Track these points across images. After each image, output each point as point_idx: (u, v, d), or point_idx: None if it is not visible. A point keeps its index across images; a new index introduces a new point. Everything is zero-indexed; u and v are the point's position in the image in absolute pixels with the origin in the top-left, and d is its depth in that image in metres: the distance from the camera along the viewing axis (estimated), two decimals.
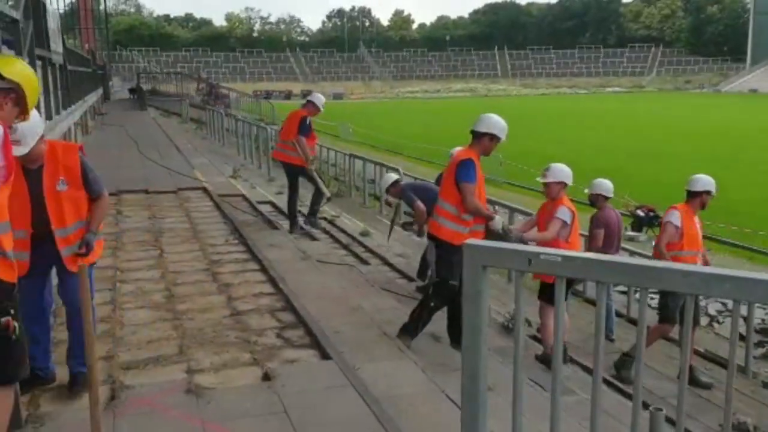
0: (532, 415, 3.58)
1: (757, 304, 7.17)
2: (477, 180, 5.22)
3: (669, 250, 6.06)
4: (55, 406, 3.75)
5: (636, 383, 2.49)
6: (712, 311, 8.71)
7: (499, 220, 5.44)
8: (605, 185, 7.17)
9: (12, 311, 2.77)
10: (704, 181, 6.28)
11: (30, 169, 3.70)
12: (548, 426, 2.55)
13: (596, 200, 7.16)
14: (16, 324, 2.77)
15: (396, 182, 8.08)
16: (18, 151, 3.32)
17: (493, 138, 5.29)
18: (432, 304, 5.33)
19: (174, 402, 3.85)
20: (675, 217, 6.14)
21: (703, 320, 8.27)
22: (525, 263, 2.51)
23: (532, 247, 2.62)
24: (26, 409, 3.56)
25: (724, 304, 8.85)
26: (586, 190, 7.33)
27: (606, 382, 5.88)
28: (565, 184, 6.18)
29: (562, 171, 6.19)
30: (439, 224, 5.39)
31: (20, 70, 2.96)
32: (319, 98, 9.52)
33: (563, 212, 5.99)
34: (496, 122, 5.34)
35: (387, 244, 8.72)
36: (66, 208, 3.80)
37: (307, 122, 9.21)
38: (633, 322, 7.41)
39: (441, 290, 5.34)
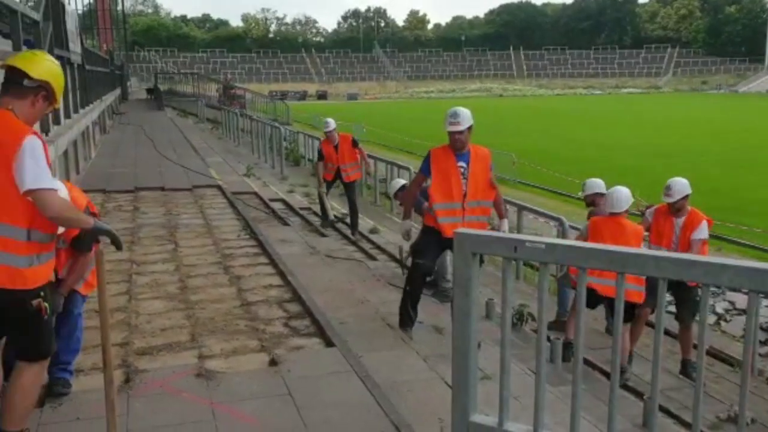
0: (526, 401, 3.72)
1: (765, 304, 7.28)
2: (431, 172, 5.29)
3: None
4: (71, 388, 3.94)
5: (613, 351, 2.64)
6: (719, 309, 8.76)
7: (409, 224, 5.59)
8: (600, 184, 7.28)
9: (42, 293, 3.01)
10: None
11: None
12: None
13: (594, 200, 7.27)
14: (46, 305, 3.02)
15: (403, 187, 8.28)
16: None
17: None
18: (407, 288, 5.53)
19: (185, 385, 4.05)
20: (649, 213, 6.81)
21: (710, 318, 8.34)
22: (511, 250, 2.68)
23: (517, 235, 2.79)
24: (45, 390, 3.75)
25: (732, 303, 8.91)
26: (580, 194, 7.40)
27: (607, 375, 6.01)
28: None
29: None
30: None
31: (48, 69, 3.10)
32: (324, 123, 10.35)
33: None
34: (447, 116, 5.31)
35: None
36: None
37: (317, 148, 10.83)
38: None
39: (410, 272, 5.62)
